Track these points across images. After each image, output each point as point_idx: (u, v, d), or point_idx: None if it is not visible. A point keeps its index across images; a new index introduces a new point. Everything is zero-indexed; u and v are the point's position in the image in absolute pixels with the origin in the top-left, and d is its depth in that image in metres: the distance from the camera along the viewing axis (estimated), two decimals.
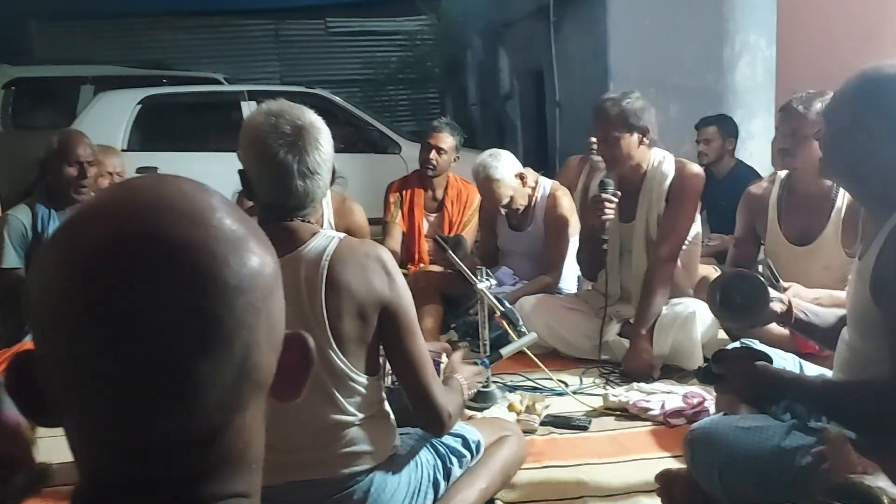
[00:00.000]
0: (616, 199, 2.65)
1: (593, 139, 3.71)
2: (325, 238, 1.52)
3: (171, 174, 0.55)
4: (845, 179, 1.64)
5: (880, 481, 1.23)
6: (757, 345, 1.80)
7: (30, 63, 8.38)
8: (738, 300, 1.64)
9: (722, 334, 2.74)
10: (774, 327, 2.46)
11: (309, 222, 1.56)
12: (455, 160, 3.71)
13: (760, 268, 2.48)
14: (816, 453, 1.30)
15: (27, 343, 2.63)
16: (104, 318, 0.47)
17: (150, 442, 0.49)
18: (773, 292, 1.68)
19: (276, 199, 1.52)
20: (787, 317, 1.68)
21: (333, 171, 1.57)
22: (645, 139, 2.71)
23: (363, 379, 1.54)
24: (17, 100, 6.70)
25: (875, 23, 2.68)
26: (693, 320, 2.61)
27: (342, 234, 1.56)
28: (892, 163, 1.47)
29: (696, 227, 2.85)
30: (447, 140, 3.64)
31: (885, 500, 1.20)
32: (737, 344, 1.79)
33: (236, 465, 0.53)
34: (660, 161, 2.78)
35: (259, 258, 0.52)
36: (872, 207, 1.56)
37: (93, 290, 0.47)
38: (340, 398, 1.52)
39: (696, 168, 2.81)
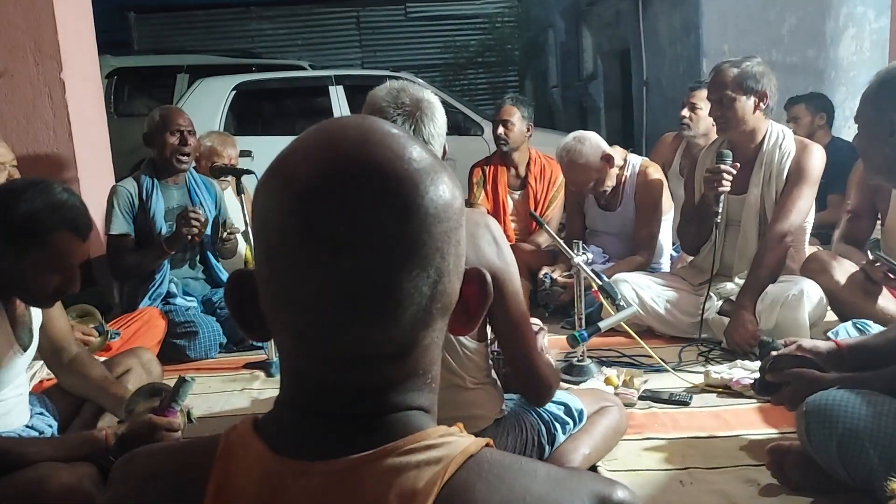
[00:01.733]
0: (734, 172, 2.59)
1: (684, 113, 3.64)
2: None
3: (370, 116, 0.60)
4: (885, 177, 1.65)
5: None
6: (807, 343, 1.79)
7: (129, 53, 8.82)
8: None
9: (830, 315, 2.65)
10: (887, 305, 2.37)
11: None
12: (527, 132, 3.70)
13: (869, 254, 2.36)
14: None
15: (145, 309, 2.81)
16: (320, 237, 0.52)
17: (353, 351, 0.55)
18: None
19: None
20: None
21: (444, 151, 1.60)
22: (761, 104, 2.64)
23: (472, 344, 1.59)
24: (118, 89, 7.05)
25: None
26: (801, 299, 2.53)
27: (465, 210, 1.60)
28: None
29: (812, 208, 2.76)
30: (513, 112, 3.64)
31: None
32: (785, 347, 1.79)
33: (421, 380, 0.58)
34: (780, 137, 2.70)
35: (451, 190, 0.57)
36: None
37: (310, 212, 0.52)
38: (452, 363, 1.58)
39: (818, 147, 2.71)
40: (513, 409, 1.74)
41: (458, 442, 0.55)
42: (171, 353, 2.78)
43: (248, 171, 3.03)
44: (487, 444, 0.56)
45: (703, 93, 3.46)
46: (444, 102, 5.36)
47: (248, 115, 6.25)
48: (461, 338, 1.57)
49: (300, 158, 0.55)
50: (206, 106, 5.68)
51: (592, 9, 8.33)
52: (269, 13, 11.86)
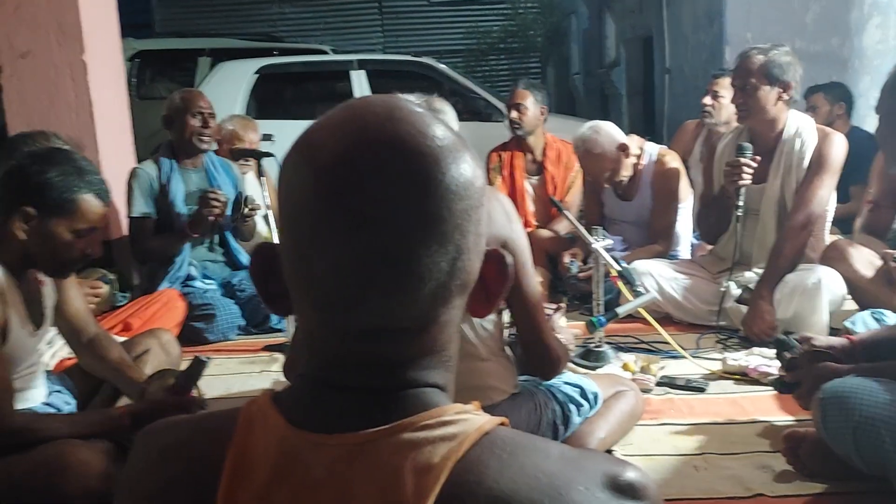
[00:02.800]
0: (754, 165, 2.58)
1: (706, 101, 3.61)
2: None
3: (394, 95, 0.61)
4: None
5: None
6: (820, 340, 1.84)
7: (150, 36, 8.86)
8: None
9: (849, 304, 2.63)
10: None
11: None
12: (542, 116, 3.68)
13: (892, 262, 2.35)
14: None
15: (165, 290, 2.85)
16: (341, 210, 0.53)
17: (371, 325, 0.56)
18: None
19: None
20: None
21: None
22: (784, 95, 2.61)
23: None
24: (141, 71, 7.10)
25: None
26: (819, 288, 2.52)
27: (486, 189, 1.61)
28: None
29: (833, 198, 2.74)
30: (526, 96, 3.62)
31: None
32: (799, 344, 1.83)
33: (437, 357, 0.59)
34: (800, 126, 2.67)
35: (472, 169, 0.57)
36: None
37: (333, 185, 0.54)
38: (470, 333, 1.61)
39: (840, 136, 2.68)
40: (527, 388, 1.76)
41: (473, 419, 0.56)
42: (190, 335, 2.80)
43: (269, 154, 3.05)
44: (502, 423, 0.57)
45: (726, 81, 3.42)
46: (465, 88, 5.37)
47: (269, 98, 6.26)
48: None
49: (325, 133, 0.56)
50: (227, 89, 5.71)
51: None
52: None
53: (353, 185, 0.53)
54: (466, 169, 0.56)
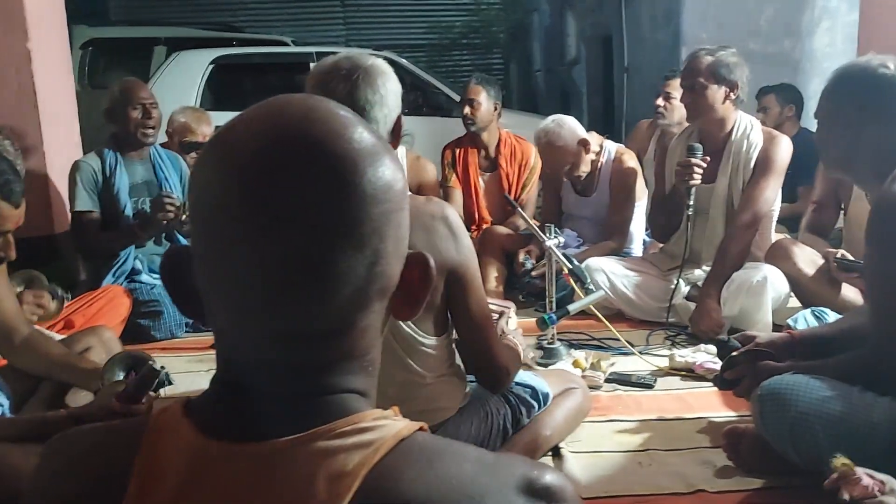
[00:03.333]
0: (705, 165, 2.63)
1: (659, 102, 3.67)
2: None
3: (317, 95, 0.60)
4: (845, 172, 1.76)
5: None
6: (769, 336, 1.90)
7: (105, 24, 8.63)
8: None
9: (793, 301, 2.70)
10: (849, 293, 2.43)
11: None
12: (495, 111, 3.68)
13: (839, 253, 2.42)
14: (829, 483, 1.33)
15: (109, 287, 2.78)
16: (255, 212, 0.52)
17: (285, 330, 0.54)
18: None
19: None
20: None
21: (399, 127, 1.51)
22: (731, 94, 2.68)
23: (431, 341, 1.56)
24: (93, 60, 6.90)
25: None
26: (764, 286, 2.58)
27: (408, 193, 1.56)
28: (871, 145, 1.58)
29: (778, 198, 2.80)
30: (479, 92, 3.61)
31: None
32: (742, 346, 1.87)
33: (357, 362, 0.58)
34: (748, 127, 2.74)
35: (392, 172, 0.56)
36: (872, 191, 1.61)
37: (246, 187, 0.52)
38: (411, 362, 1.55)
39: (785, 138, 2.76)
40: (477, 395, 1.73)
41: (391, 426, 0.55)
42: (135, 332, 2.73)
43: None
44: (421, 429, 0.56)
45: (678, 82, 3.49)
46: (426, 83, 5.35)
47: (226, 89, 6.15)
48: (419, 336, 1.54)
49: (240, 132, 0.55)
50: (182, 80, 5.60)
51: None
52: None
53: (267, 187, 0.52)
54: (385, 172, 0.55)
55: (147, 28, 7.96)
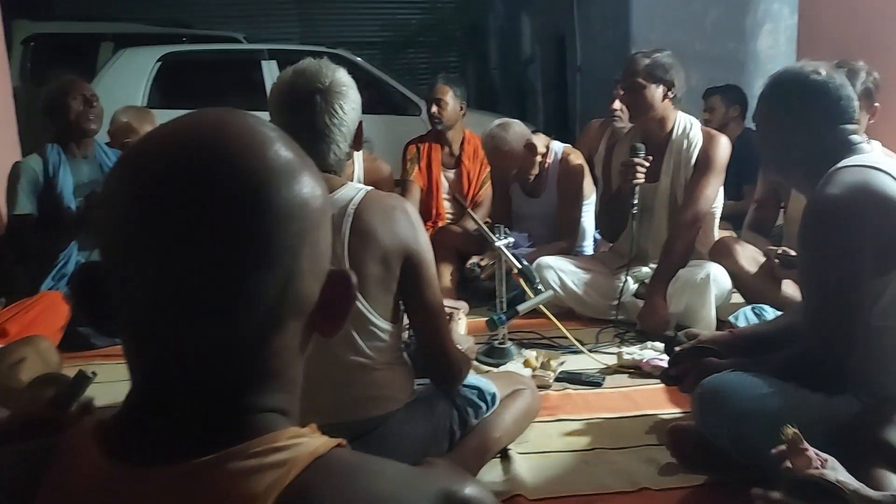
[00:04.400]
0: (647, 165, 2.68)
1: (615, 106, 3.73)
2: (352, 189, 1.56)
3: (238, 110, 0.58)
4: (780, 174, 1.83)
5: (840, 475, 1.29)
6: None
7: (50, 18, 8.37)
8: None
9: (736, 297, 2.77)
10: (788, 290, 2.50)
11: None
12: (461, 111, 3.70)
13: (780, 250, 2.50)
14: (777, 452, 1.36)
15: (46, 293, 2.69)
16: (165, 230, 0.51)
17: (197, 348, 0.53)
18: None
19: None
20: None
21: (360, 133, 1.59)
22: (669, 93, 2.76)
23: (384, 324, 1.57)
24: (36, 56, 6.69)
25: None
26: (708, 283, 2.64)
27: (370, 187, 1.59)
28: (804, 149, 1.63)
29: (720, 194, 2.87)
30: (446, 91, 3.65)
31: (846, 493, 1.25)
32: (687, 341, 1.92)
33: (275, 381, 0.57)
34: (687, 126, 2.82)
35: (310, 190, 0.56)
36: (807, 194, 1.66)
37: (156, 203, 0.51)
38: (360, 341, 1.56)
39: (724, 138, 2.85)
40: (424, 394, 1.74)
41: (307, 443, 0.54)
42: (75, 340, 2.63)
43: None
44: (339, 445, 0.55)
45: None
46: (382, 81, 5.30)
47: (174, 87, 6.02)
48: (372, 316, 1.55)
49: (153, 147, 0.54)
50: (128, 77, 5.47)
51: None
52: None
53: (177, 204, 0.51)
54: (301, 189, 0.55)
55: (93, 24, 7.72)
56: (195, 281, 0.51)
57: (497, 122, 3.36)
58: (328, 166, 1.56)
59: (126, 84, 5.26)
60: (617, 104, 3.72)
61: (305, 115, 1.49)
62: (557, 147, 3.41)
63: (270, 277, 0.53)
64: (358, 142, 1.60)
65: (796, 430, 1.34)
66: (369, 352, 1.57)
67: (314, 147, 1.52)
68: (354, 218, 1.51)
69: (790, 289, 2.52)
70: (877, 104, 2.56)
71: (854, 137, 1.63)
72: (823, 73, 1.66)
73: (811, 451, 1.34)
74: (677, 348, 1.89)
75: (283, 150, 0.55)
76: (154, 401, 0.55)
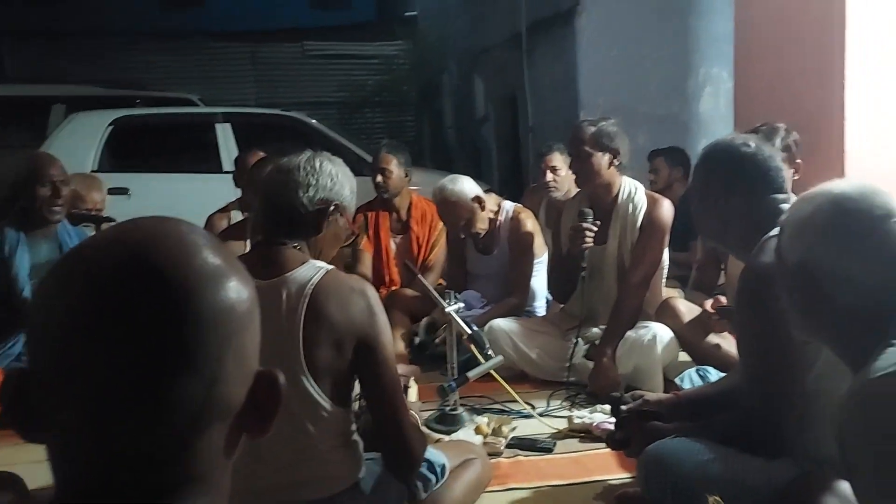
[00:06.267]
0: (595, 229, 2.76)
1: (548, 178, 3.86)
2: (312, 268, 1.56)
3: (172, 217, 0.61)
4: (716, 241, 1.88)
5: None
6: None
7: (1, 81, 8.30)
8: None
9: (683, 357, 2.82)
10: (714, 338, 2.58)
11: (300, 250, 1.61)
12: (406, 177, 3.75)
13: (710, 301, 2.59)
14: None
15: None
16: (91, 337, 0.53)
17: (121, 452, 0.54)
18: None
19: (267, 223, 1.63)
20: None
21: (331, 207, 1.63)
22: (615, 161, 2.84)
23: (333, 408, 1.56)
24: None
25: (825, 62, 2.82)
26: (654, 344, 2.69)
27: (330, 267, 1.60)
28: (737, 217, 1.69)
29: (665, 255, 2.95)
30: (390, 160, 3.70)
31: None
32: (633, 402, 1.94)
33: (199, 485, 0.57)
34: (632, 191, 2.91)
35: (236, 295, 0.58)
36: (743, 260, 1.71)
37: (85, 310, 0.54)
38: (309, 424, 1.54)
39: (667, 201, 2.95)
40: (372, 470, 1.71)
41: None
42: None
43: (109, 219, 2.90)
44: None
45: (558, 154, 3.79)
46: (335, 142, 5.31)
47: (127, 151, 5.98)
48: (322, 399, 1.54)
49: (87, 255, 0.57)
50: (79, 141, 5.41)
51: (483, 56, 8.63)
52: (160, 45, 11.52)
53: (105, 312, 0.53)
54: (227, 296, 0.57)
55: (45, 86, 7.68)
56: (119, 386, 0.53)
57: (448, 177, 3.45)
58: (307, 238, 1.63)
59: (76, 148, 5.20)
60: (549, 176, 3.85)
61: (289, 187, 1.62)
62: (509, 206, 3.49)
63: (195, 382, 0.54)
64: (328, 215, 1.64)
65: (717, 499, 1.35)
66: (317, 435, 1.55)
67: (295, 217, 1.61)
68: (311, 299, 1.51)
69: (716, 337, 2.60)
70: (798, 160, 2.69)
71: (784, 206, 1.69)
72: (753, 145, 1.73)
73: None
74: (624, 407, 1.90)
75: (210, 258, 0.58)
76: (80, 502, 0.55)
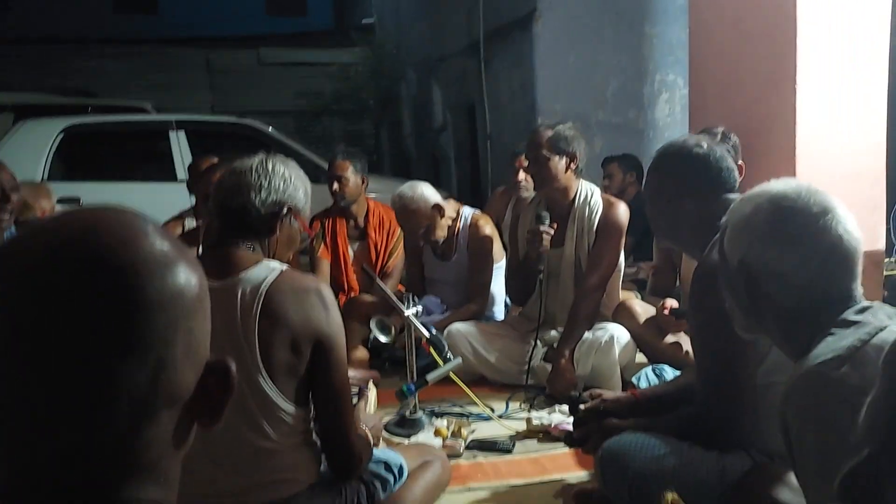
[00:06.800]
0: (552, 232, 2.77)
1: (520, 178, 3.88)
2: (266, 268, 1.55)
3: (121, 206, 0.60)
4: (670, 241, 1.92)
5: None
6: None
7: None
8: None
9: (640, 357, 2.86)
10: (671, 337, 2.63)
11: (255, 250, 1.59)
12: (363, 184, 3.73)
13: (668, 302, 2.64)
14: None
15: None
16: (33, 323, 0.52)
17: (68, 441, 0.53)
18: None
19: (220, 225, 1.61)
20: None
21: (284, 210, 1.62)
22: (572, 165, 2.88)
23: (291, 407, 1.54)
24: None
25: (777, 67, 2.90)
26: (612, 345, 2.73)
27: (285, 267, 1.58)
28: (691, 217, 1.72)
29: (621, 258, 2.99)
30: (346, 167, 3.65)
31: None
32: (591, 401, 1.97)
33: (148, 474, 0.57)
34: (589, 194, 2.95)
35: (184, 279, 0.57)
36: (696, 259, 1.76)
37: (23, 300, 0.52)
38: (266, 425, 1.52)
39: (622, 204, 2.99)
40: (331, 473, 1.71)
41: None
42: None
43: None
44: None
45: None
46: (290, 150, 5.23)
47: (78, 159, 5.84)
48: (279, 399, 1.52)
49: (27, 244, 0.55)
50: (28, 150, 5.26)
51: (441, 65, 8.67)
52: (112, 51, 11.32)
53: (42, 299, 0.52)
54: (174, 280, 0.56)
55: None
56: (62, 376, 0.52)
57: (407, 184, 3.44)
58: (262, 237, 1.61)
59: (25, 157, 5.06)
60: (521, 175, 3.86)
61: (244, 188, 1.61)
62: (468, 212, 3.50)
63: (140, 367, 0.54)
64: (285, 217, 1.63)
65: (674, 494, 1.38)
66: (275, 435, 1.53)
67: (251, 217, 1.59)
68: (265, 299, 1.49)
69: (673, 338, 2.65)
70: (741, 162, 2.76)
71: None
72: (705, 146, 1.77)
73: None
74: (581, 406, 1.92)
75: (156, 243, 0.57)
76: (25, 500, 0.54)
